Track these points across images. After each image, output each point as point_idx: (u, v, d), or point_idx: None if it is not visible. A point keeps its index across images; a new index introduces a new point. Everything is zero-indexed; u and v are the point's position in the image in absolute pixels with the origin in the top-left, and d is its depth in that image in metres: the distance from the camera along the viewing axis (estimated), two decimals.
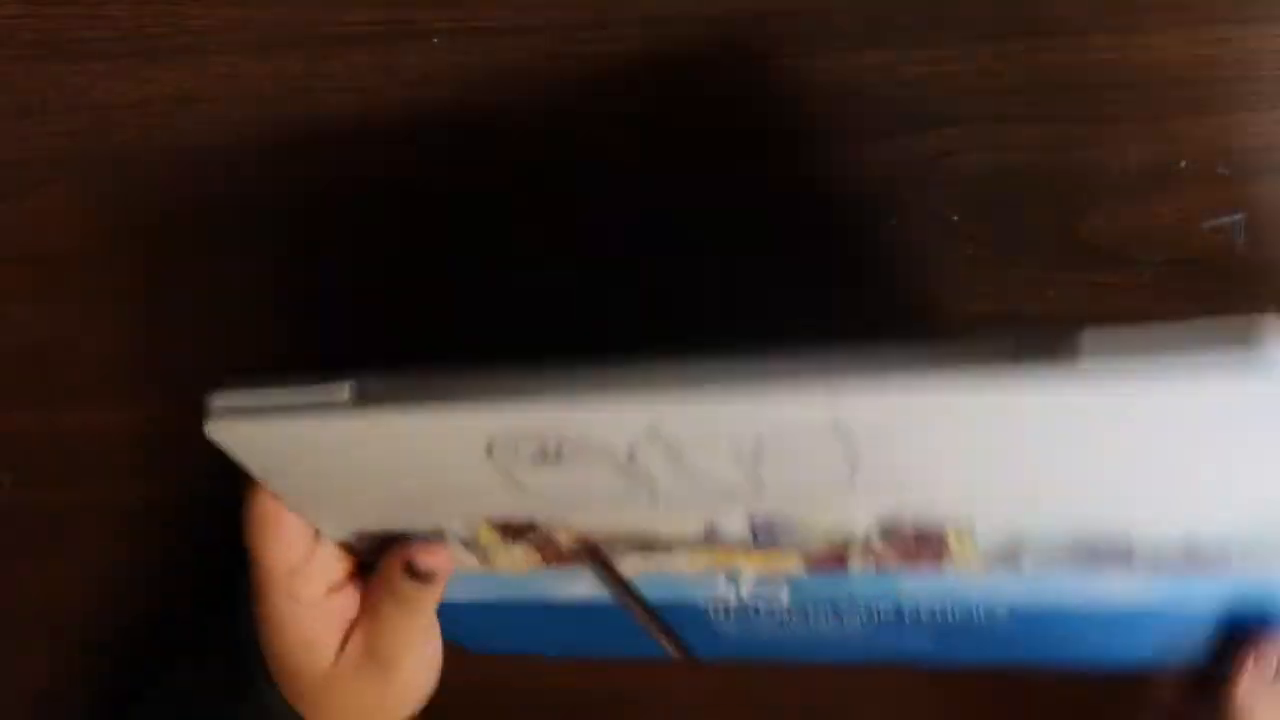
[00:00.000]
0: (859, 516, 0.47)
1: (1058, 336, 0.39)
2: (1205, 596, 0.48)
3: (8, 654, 0.66)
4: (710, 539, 0.50)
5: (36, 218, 0.56)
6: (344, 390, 0.47)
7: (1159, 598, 0.48)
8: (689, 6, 0.49)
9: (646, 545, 0.51)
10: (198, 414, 0.60)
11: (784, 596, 0.52)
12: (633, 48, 0.50)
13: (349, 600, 0.53)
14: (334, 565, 0.53)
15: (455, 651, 0.56)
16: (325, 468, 0.49)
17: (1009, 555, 0.47)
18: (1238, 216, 0.56)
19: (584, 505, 0.49)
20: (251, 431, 0.49)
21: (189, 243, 0.56)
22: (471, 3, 0.50)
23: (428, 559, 0.52)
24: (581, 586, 0.54)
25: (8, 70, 0.53)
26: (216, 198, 0.55)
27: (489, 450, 0.47)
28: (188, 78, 0.52)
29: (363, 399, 0.47)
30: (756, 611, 0.53)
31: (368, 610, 0.53)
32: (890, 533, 0.47)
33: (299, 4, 0.50)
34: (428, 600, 0.53)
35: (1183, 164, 0.55)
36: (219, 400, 0.49)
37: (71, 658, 0.67)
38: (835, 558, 0.49)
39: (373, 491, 0.50)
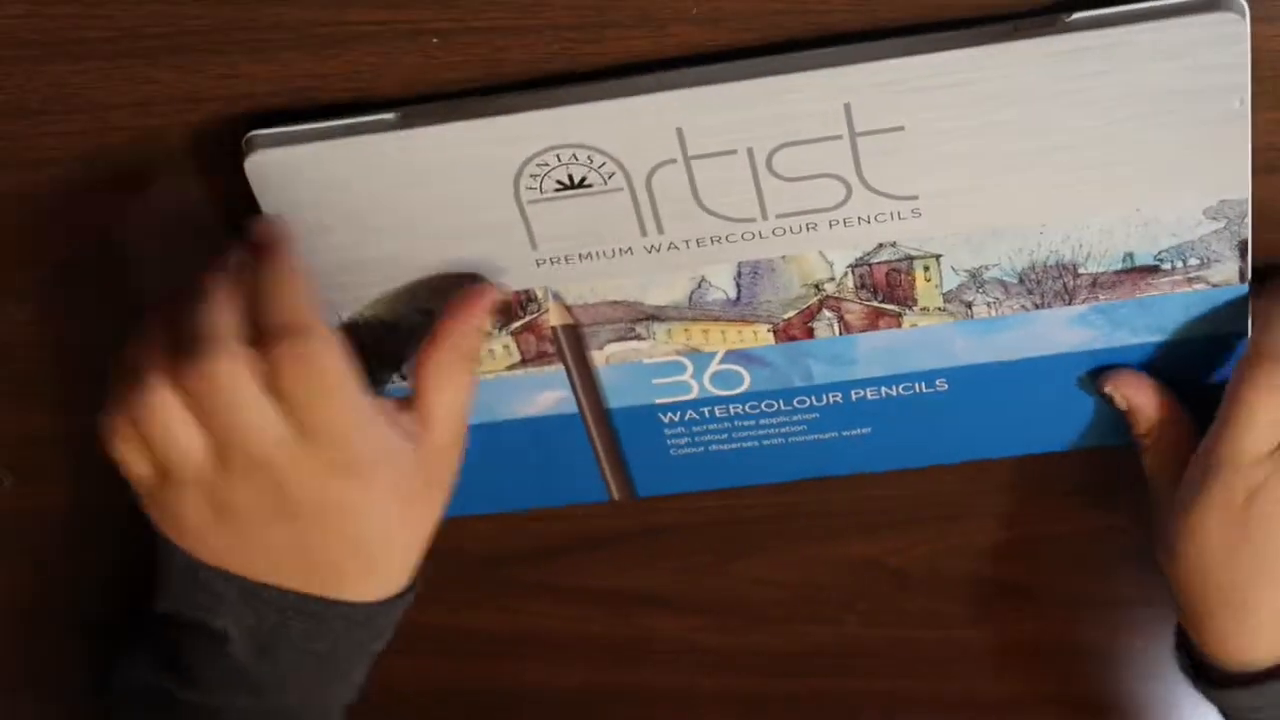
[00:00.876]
0: (838, 259, 0.52)
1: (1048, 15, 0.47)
2: (1130, 343, 0.54)
3: (8, 652, 0.66)
4: (694, 304, 0.54)
5: (37, 218, 0.56)
6: (390, 114, 0.50)
7: (1090, 340, 0.54)
8: (685, 6, 0.49)
9: (629, 321, 0.54)
10: None
11: (744, 380, 0.56)
12: (633, 48, 0.50)
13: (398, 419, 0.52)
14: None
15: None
16: (351, 217, 0.51)
17: (965, 294, 0.53)
18: None
19: (587, 260, 0.52)
20: (292, 162, 0.50)
21: (190, 242, 0.56)
22: (472, 3, 0.50)
23: (494, 290, 0.53)
24: (545, 398, 0.57)
25: (8, 70, 0.53)
26: (217, 197, 0.55)
27: (517, 179, 0.50)
28: (188, 78, 0.52)
29: (409, 119, 0.50)
30: (710, 414, 0.57)
31: (439, 387, 0.52)
32: (863, 277, 0.53)
33: (299, 4, 0.50)
34: (481, 350, 0.54)
35: None
36: (260, 132, 0.50)
37: (72, 656, 0.67)
38: (803, 325, 0.54)
39: (387, 255, 0.52)
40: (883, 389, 0.56)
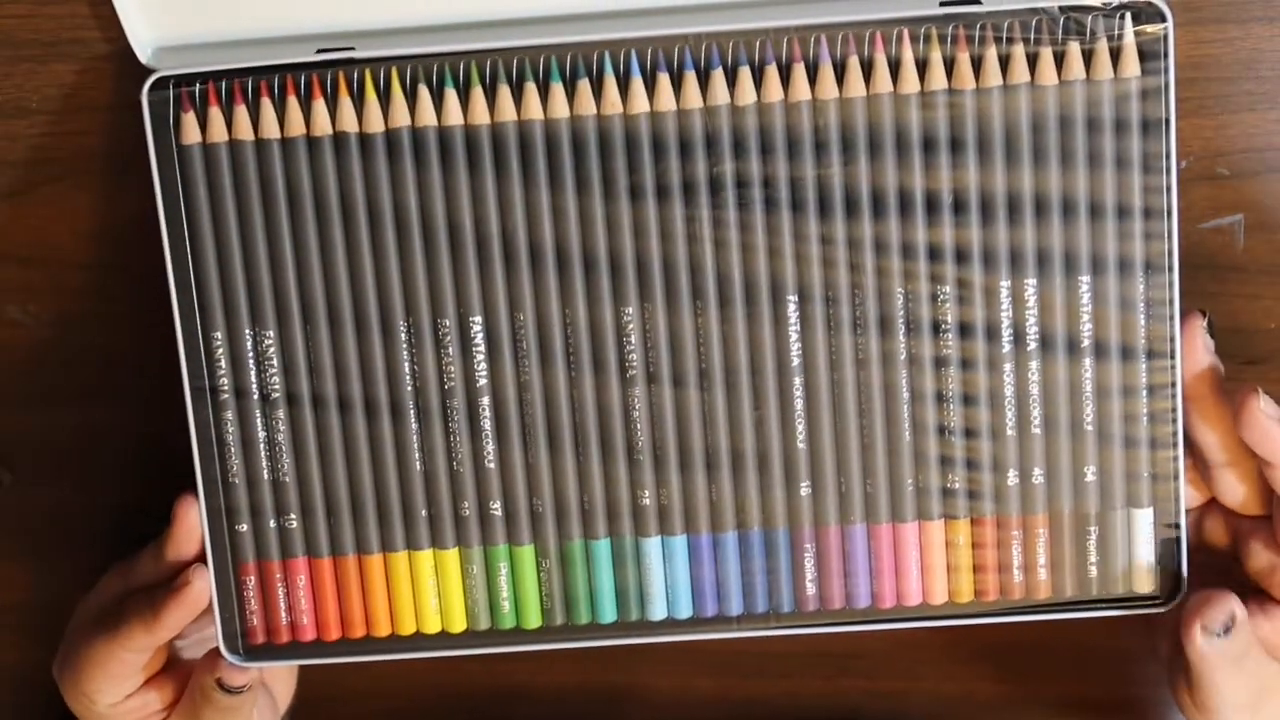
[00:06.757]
0: None
1: None
2: None
3: (7, 652, 0.66)
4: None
5: (36, 218, 0.56)
6: None
7: None
8: None
9: None
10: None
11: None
12: None
13: (154, 697, 0.56)
14: (135, 677, 0.55)
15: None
16: None
17: None
18: (1238, 217, 0.56)
19: None
20: None
21: None
22: None
23: (237, 676, 0.54)
24: None
25: (8, 70, 0.53)
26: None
27: None
28: None
29: None
30: None
31: (187, 708, 0.55)
32: None
33: None
34: (245, 706, 0.54)
35: (1183, 164, 0.55)
36: None
37: None
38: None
39: None
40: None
